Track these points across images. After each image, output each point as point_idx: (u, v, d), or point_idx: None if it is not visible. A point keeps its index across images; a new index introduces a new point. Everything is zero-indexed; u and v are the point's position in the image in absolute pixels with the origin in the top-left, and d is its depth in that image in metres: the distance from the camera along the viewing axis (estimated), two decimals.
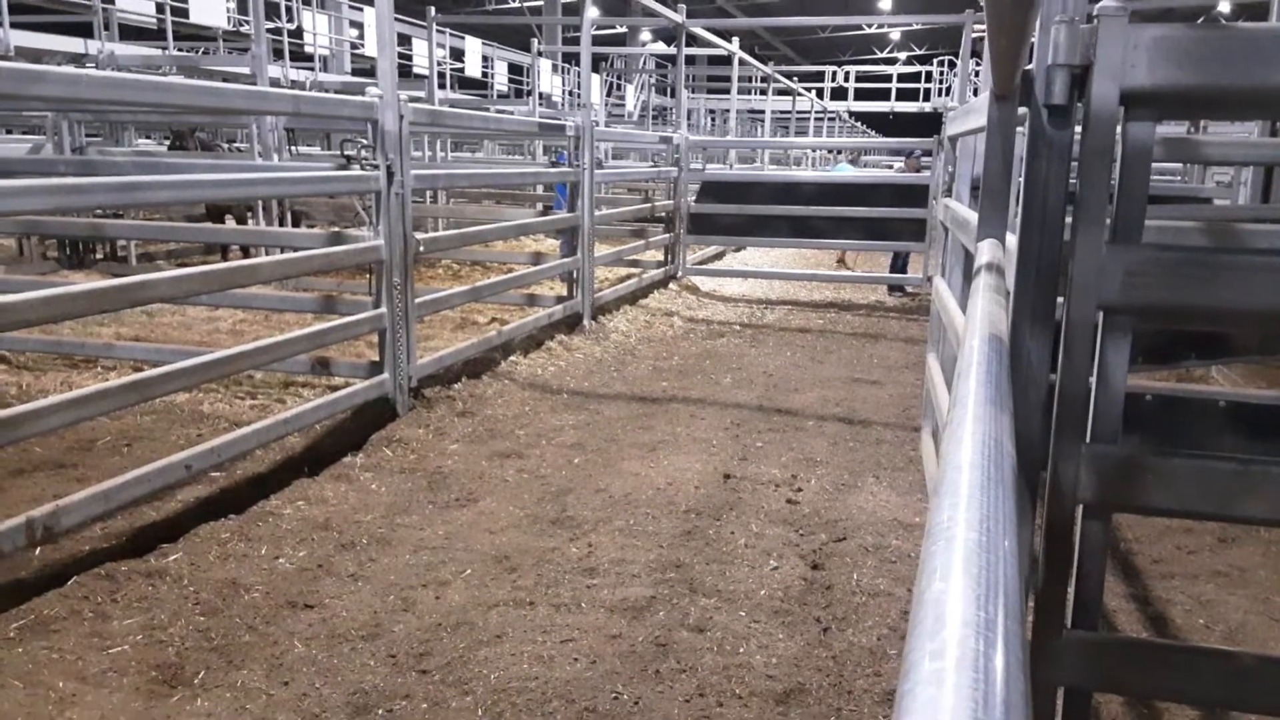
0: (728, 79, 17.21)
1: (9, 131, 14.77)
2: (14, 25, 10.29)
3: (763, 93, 23.65)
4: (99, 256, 9.91)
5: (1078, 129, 1.69)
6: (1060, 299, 1.75)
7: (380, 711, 2.55)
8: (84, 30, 11.54)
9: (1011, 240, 1.89)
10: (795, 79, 23.99)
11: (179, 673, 2.67)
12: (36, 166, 7.29)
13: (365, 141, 4.78)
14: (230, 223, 9.79)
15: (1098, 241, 1.62)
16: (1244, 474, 1.66)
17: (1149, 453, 1.70)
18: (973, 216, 3.08)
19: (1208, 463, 1.68)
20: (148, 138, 13.54)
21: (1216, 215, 5.35)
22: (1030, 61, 1.70)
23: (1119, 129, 1.65)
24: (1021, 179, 1.77)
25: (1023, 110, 1.81)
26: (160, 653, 2.76)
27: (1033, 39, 1.67)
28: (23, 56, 9.91)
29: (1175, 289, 1.60)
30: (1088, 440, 1.74)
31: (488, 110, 15.98)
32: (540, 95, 17.83)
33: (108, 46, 11.07)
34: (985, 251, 1.98)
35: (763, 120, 24.28)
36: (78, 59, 10.72)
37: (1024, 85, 1.73)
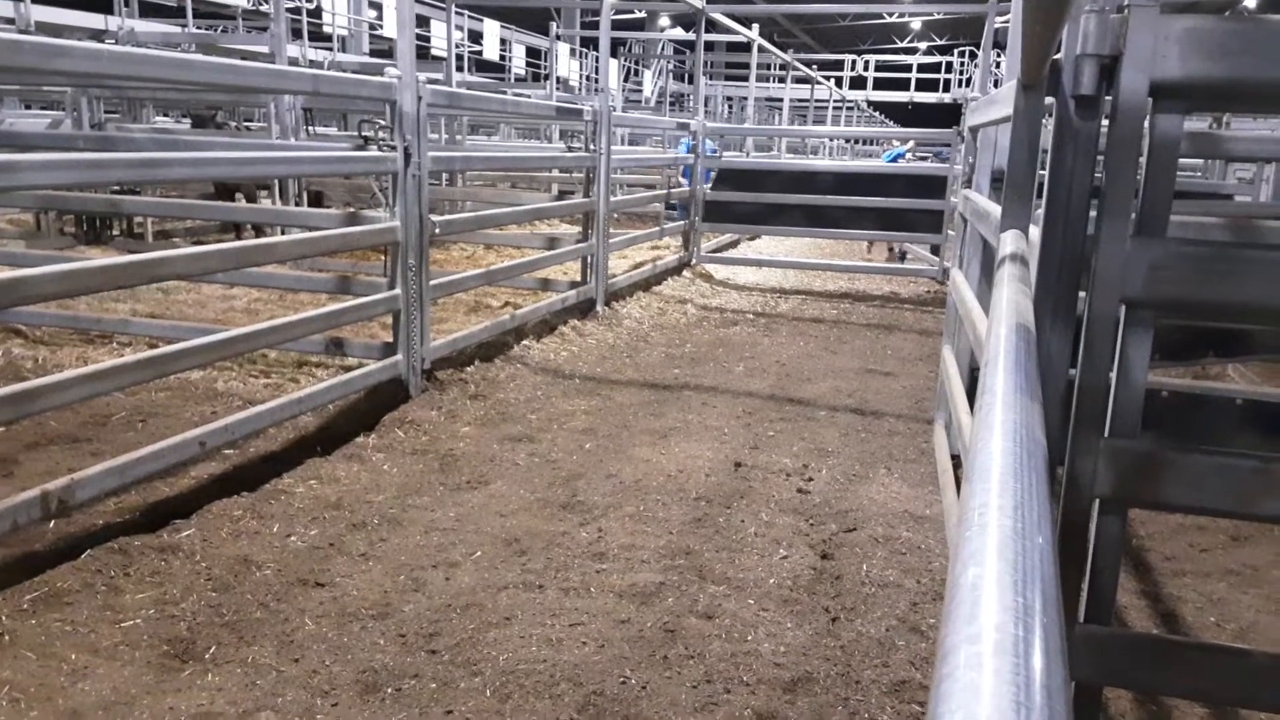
0: (746, 66, 17.13)
1: (28, 107, 14.84)
2: (35, 0, 10.32)
3: (781, 80, 23.55)
4: (116, 233, 9.95)
5: (1105, 121, 1.67)
6: (1082, 293, 1.73)
7: (389, 690, 2.56)
8: (104, 6, 11.57)
9: (1035, 232, 1.87)
10: (814, 67, 23.87)
11: (190, 647, 2.69)
12: (55, 141, 7.30)
13: (383, 122, 4.77)
14: (239, 201, 9.81)
15: (1122, 235, 1.60)
16: (1264, 471, 1.64)
17: (1168, 448, 1.68)
18: (993, 208, 3.06)
19: (1228, 460, 1.66)
20: (166, 115, 13.57)
21: (1239, 211, 5.31)
22: (1059, 51, 1.68)
23: (1146, 121, 1.63)
24: (1046, 170, 1.75)
25: (1049, 101, 1.79)
26: (172, 627, 2.77)
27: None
28: (43, 31, 9.95)
29: (1200, 284, 1.58)
30: (1106, 435, 1.73)
31: (505, 94, 15.95)
32: (558, 79, 17.78)
33: (127, 23, 11.10)
34: (1009, 242, 1.97)
35: (780, 108, 24.17)
36: (98, 35, 10.75)
37: (1051, 75, 1.71)
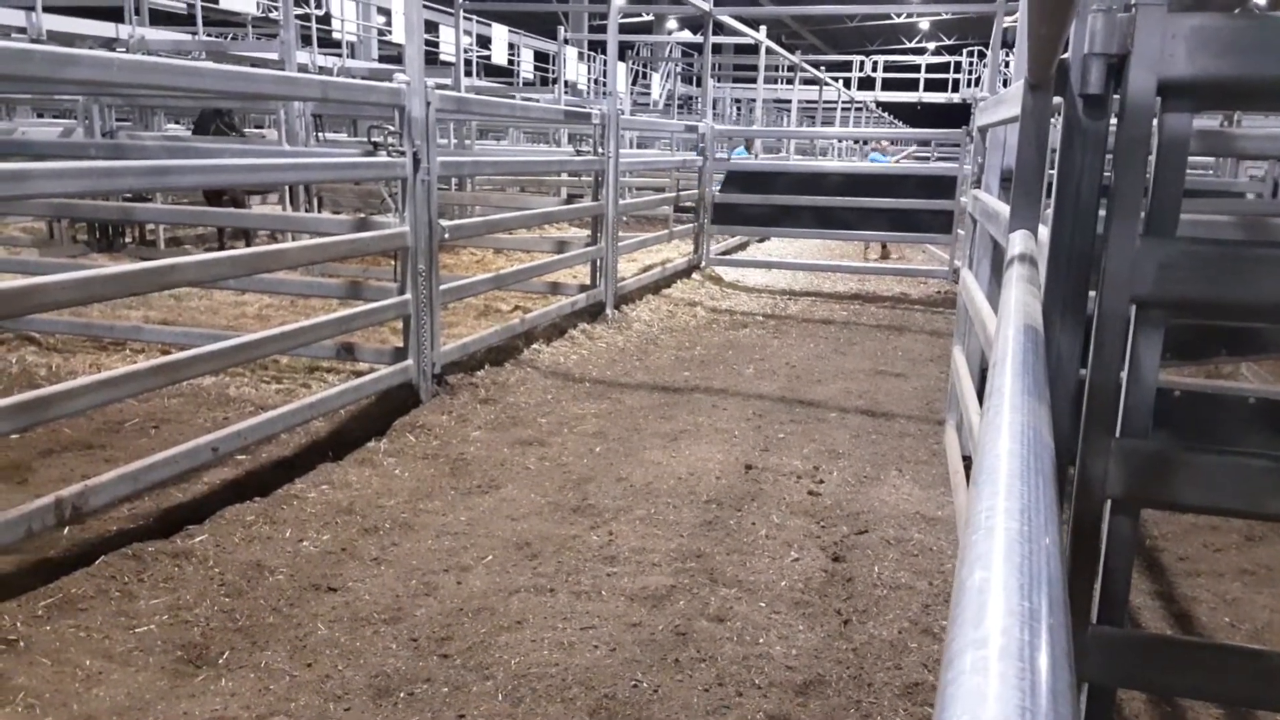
0: (754, 68, 17.11)
1: (41, 115, 14.94)
2: (46, 9, 10.39)
3: (789, 82, 23.51)
4: (128, 240, 10.00)
5: (1113, 120, 1.66)
6: (1092, 292, 1.73)
7: (401, 694, 2.57)
8: (115, 15, 11.64)
9: (1044, 232, 1.87)
10: (822, 68, 23.84)
11: (204, 653, 2.70)
12: (67, 150, 7.34)
13: (392, 128, 4.79)
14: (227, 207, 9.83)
15: (1132, 234, 1.60)
16: (1278, 471, 1.63)
17: (1181, 448, 1.68)
18: (1003, 208, 3.05)
19: (1240, 459, 1.65)
20: (177, 123, 13.65)
21: (1250, 210, 5.28)
22: (1066, 50, 1.68)
23: (1155, 120, 1.63)
24: (1055, 170, 1.75)
25: (1057, 100, 1.78)
26: (186, 633, 2.79)
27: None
28: (54, 40, 10.01)
29: (1210, 283, 1.58)
30: (1117, 435, 1.72)
31: (513, 98, 15.98)
32: (566, 83, 17.80)
33: (138, 31, 11.17)
34: (1018, 243, 1.97)
35: (789, 110, 24.16)
36: (109, 44, 10.82)
37: (1059, 75, 1.70)
